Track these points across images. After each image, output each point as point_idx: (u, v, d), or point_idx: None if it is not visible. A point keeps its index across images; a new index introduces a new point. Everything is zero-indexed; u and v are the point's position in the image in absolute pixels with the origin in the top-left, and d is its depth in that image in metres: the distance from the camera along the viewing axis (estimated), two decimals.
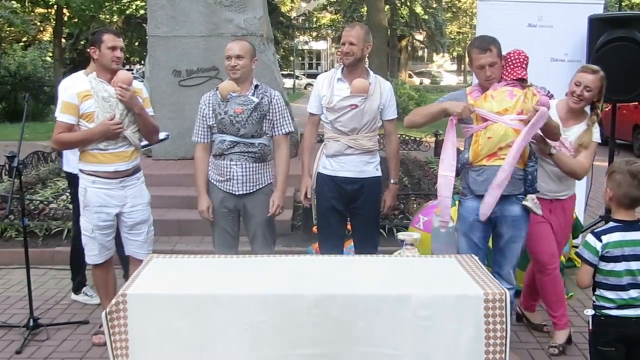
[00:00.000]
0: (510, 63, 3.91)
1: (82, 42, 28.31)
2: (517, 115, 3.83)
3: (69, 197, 7.07)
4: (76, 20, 26.28)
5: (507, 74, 3.91)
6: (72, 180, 4.92)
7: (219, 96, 4.24)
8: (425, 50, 55.90)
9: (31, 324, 4.60)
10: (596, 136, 4.29)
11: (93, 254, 4.36)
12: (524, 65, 3.90)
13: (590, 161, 4.33)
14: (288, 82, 40.02)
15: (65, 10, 25.32)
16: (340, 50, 4.32)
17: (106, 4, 25.48)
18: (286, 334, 3.00)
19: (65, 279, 5.68)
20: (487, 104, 3.88)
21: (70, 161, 4.99)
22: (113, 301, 3.01)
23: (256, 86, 4.30)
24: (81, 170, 4.29)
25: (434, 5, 37.17)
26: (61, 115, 4.15)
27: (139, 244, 4.42)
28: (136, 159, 4.36)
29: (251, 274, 3.34)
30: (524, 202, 3.95)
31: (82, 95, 4.14)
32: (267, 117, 4.29)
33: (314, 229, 6.43)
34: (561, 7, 6.17)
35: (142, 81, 8.48)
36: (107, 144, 4.17)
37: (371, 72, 4.46)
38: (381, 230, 6.13)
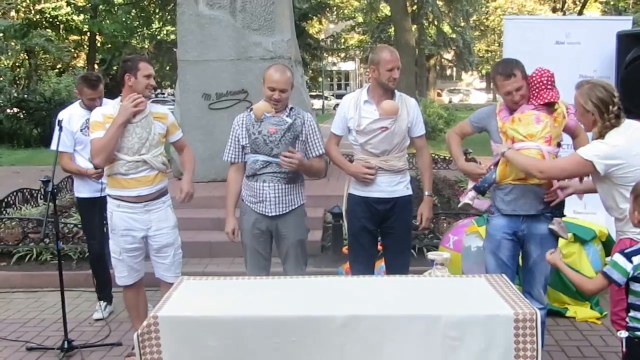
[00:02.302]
0: (533, 87, 3.85)
1: (114, 68, 28.82)
2: (546, 144, 3.80)
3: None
4: (109, 46, 26.84)
5: (532, 98, 3.86)
6: (80, 205, 5.48)
7: (252, 117, 4.28)
8: (454, 68, 55.77)
9: (65, 346, 4.66)
10: (583, 150, 3.56)
11: (122, 276, 4.45)
12: (548, 87, 3.83)
13: (562, 164, 3.71)
14: (317, 103, 40.20)
15: (98, 37, 25.89)
16: (390, 76, 4.24)
17: (138, 30, 25.98)
18: (316, 354, 3.01)
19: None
20: (515, 126, 3.86)
21: (77, 185, 5.39)
22: (145, 323, 3.04)
23: (291, 108, 4.34)
24: (108, 195, 4.41)
25: (462, 24, 37.10)
26: (93, 133, 4.28)
27: (166, 267, 4.48)
28: (160, 183, 4.43)
29: (282, 294, 3.36)
30: (550, 226, 3.91)
31: (107, 117, 4.27)
32: (300, 139, 4.33)
33: (344, 249, 6.44)
34: (589, 24, 6.19)
35: (173, 105, 8.63)
36: (128, 168, 4.26)
37: (396, 91, 4.46)
38: (411, 250, 6.10)
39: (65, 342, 4.68)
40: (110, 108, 4.35)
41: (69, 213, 8.01)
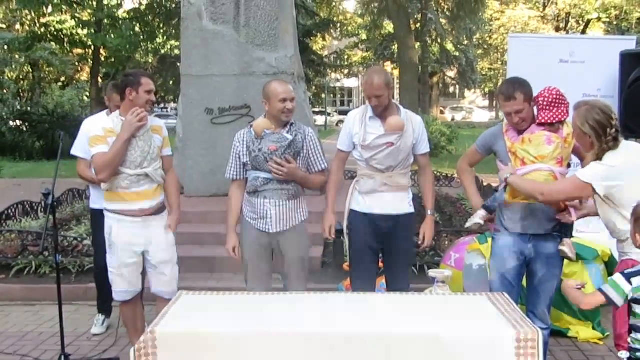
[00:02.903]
0: (543, 106, 3.82)
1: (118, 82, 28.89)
2: (558, 166, 3.79)
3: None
4: (113, 60, 26.94)
5: (543, 118, 3.82)
6: (94, 216, 5.31)
7: (253, 133, 4.27)
8: (457, 86, 55.92)
9: None
10: (582, 172, 3.54)
11: (121, 290, 4.41)
12: (545, 107, 3.80)
13: (562, 187, 3.67)
14: (320, 120, 40.28)
15: (102, 51, 26.01)
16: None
17: (142, 44, 26.08)
18: None
19: (95, 315, 5.71)
20: (525, 147, 3.83)
21: (93, 197, 5.31)
22: (142, 338, 3.01)
23: (291, 124, 4.32)
24: (107, 210, 4.37)
25: (465, 42, 37.26)
26: (95, 148, 4.25)
27: (163, 283, 4.45)
28: (160, 196, 4.43)
29: (281, 311, 3.33)
30: (561, 247, 3.88)
31: (107, 130, 4.26)
32: (301, 155, 4.30)
33: (345, 266, 6.40)
34: (593, 43, 6.20)
35: (175, 119, 8.62)
36: (130, 182, 4.25)
37: (401, 108, 4.44)
38: (412, 267, 6.06)
39: (63, 357, 4.62)
40: (109, 121, 4.34)
41: (69, 226, 8.00)
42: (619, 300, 3.01)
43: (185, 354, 2.99)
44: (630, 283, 2.99)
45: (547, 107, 3.81)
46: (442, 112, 49.89)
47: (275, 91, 4.20)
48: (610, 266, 5.34)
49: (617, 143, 3.49)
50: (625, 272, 3.05)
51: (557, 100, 3.82)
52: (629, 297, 3.00)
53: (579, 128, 3.53)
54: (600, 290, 3.06)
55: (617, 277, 3.04)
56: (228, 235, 4.40)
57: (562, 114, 3.81)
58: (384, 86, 4.23)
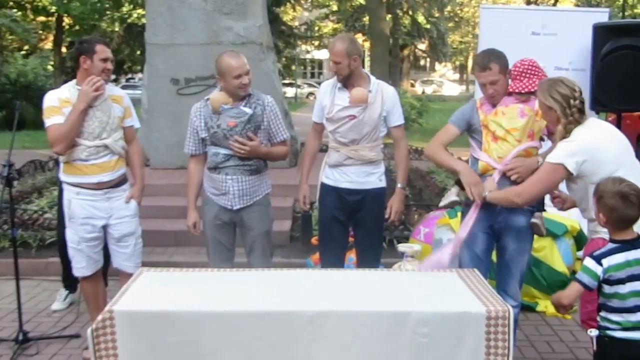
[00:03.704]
0: (514, 76, 3.77)
1: None
2: (528, 139, 3.73)
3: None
4: (77, 28, 26.32)
5: (512, 87, 3.76)
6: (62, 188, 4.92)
7: (210, 108, 4.12)
8: (428, 59, 55.95)
9: (20, 337, 4.47)
10: (550, 156, 3.47)
11: (81, 267, 4.27)
12: (516, 77, 3.74)
13: (535, 179, 3.53)
14: (290, 91, 39.98)
15: (66, 19, 25.38)
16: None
17: (107, 12, 25.52)
18: (281, 351, 2.89)
19: (58, 290, 5.56)
20: (498, 119, 3.76)
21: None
22: (99, 317, 2.89)
23: (249, 95, 4.15)
24: (65, 182, 4.21)
25: (436, 15, 37.13)
26: (50, 119, 4.08)
27: (126, 257, 4.32)
28: (121, 169, 4.27)
29: (246, 288, 3.23)
30: (534, 220, 3.83)
31: (63, 101, 4.08)
32: (262, 127, 4.17)
33: (313, 240, 6.33)
34: (565, 15, 6.13)
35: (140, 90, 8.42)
36: (89, 154, 4.08)
37: (373, 78, 4.31)
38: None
39: (21, 334, 4.48)
40: (65, 91, 4.14)
41: (30, 199, 7.78)
42: (592, 284, 2.99)
43: (145, 335, 2.89)
44: (601, 264, 2.96)
45: (518, 77, 3.75)
46: (412, 85, 49.91)
47: (229, 67, 4.00)
48: (579, 241, 5.34)
49: (582, 116, 3.43)
50: (594, 254, 3.01)
51: (529, 71, 3.75)
52: (601, 279, 2.97)
53: (543, 103, 3.47)
54: (576, 280, 3.03)
55: (588, 262, 2.99)
56: (189, 211, 4.29)
57: (533, 84, 3.72)
58: (343, 54, 4.11)
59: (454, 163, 3.94)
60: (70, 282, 5.36)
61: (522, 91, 3.73)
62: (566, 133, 3.42)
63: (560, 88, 3.41)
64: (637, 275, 2.95)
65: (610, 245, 3.03)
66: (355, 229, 4.47)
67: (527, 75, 3.74)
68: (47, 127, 4.10)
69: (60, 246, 5.31)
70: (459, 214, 4.21)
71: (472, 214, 3.78)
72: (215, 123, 4.07)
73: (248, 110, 4.08)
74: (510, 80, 3.80)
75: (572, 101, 3.38)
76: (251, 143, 4.04)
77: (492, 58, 3.77)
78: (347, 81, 4.23)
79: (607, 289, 2.99)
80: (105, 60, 4.11)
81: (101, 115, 4.10)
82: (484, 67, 3.76)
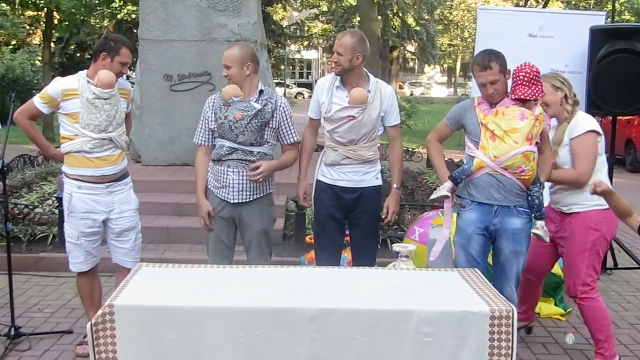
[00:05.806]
0: (520, 81, 3.74)
1: (71, 47, 28.09)
2: (527, 143, 3.72)
3: (55, 201, 6.92)
4: (67, 23, 26.07)
5: (522, 93, 3.73)
6: None
7: (222, 100, 4.11)
8: (417, 61, 56.02)
9: (12, 332, 4.40)
10: (577, 129, 3.99)
11: (78, 262, 4.21)
12: (525, 83, 3.71)
13: (584, 153, 3.94)
14: (279, 91, 39.74)
15: (55, 14, 25.12)
16: (330, 59, 4.18)
17: (97, 8, 25.31)
18: (282, 348, 2.87)
19: (49, 285, 5.52)
20: (497, 119, 3.75)
21: None
22: (99, 312, 2.85)
23: (260, 91, 4.15)
24: (66, 175, 4.15)
25: (426, 17, 37.20)
26: (39, 102, 4.07)
27: (126, 252, 4.29)
28: (123, 162, 4.25)
29: (246, 285, 3.20)
30: (534, 231, 3.85)
31: (65, 93, 4.02)
32: (270, 125, 4.14)
33: (307, 238, 6.31)
34: (562, 18, 6.14)
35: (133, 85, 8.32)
36: (93, 146, 4.04)
37: (371, 77, 4.29)
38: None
39: (12, 329, 4.42)
40: (74, 82, 4.07)
41: (20, 193, 7.69)
42: None
43: (144, 331, 2.85)
44: None
45: (527, 84, 3.73)
46: (400, 87, 50.01)
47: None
48: None
49: (576, 108, 4.06)
50: None
51: (536, 78, 3.76)
52: None
53: (551, 85, 3.98)
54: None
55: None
56: (199, 202, 4.21)
57: (539, 92, 3.76)
58: (349, 47, 4.11)
59: (439, 169, 4.19)
60: None
61: (531, 98, 3.73)
62: (571, 113, 4.01)
63: (562, 76, 4.12)
64: None
65: None
66: (351, 227, 4.45)
67: (535, 83, 3.74)
68: (32, 100, 4.10)
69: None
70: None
71: (448, 205, 4.04)
72: (223, 114, 4.07)
73: (257, 105, 4.07)
74: (511, 83, 3.80)
75: (572, 88, 4.06)
76: (263, 167, 4.06)
77: (493, 58, 3.78)
78: (345, 78, 4.21)
79: None
80: (124, 64, 4.12)
81: (109, 109, 4.08)
82: (484, 66, 3.76)
